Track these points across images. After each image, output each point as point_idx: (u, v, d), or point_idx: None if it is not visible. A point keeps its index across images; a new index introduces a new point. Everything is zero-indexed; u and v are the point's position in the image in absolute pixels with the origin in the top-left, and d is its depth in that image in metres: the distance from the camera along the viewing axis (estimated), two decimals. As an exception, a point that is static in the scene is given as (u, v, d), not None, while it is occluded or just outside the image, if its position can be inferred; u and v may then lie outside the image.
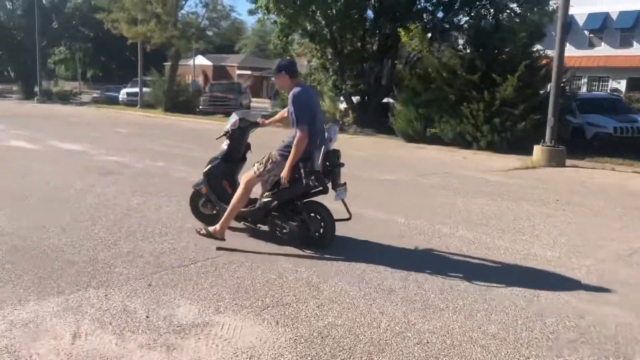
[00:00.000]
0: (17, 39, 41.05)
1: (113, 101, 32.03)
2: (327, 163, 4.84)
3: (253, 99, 33.99)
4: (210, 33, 32.22)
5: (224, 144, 5.48)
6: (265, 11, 17.91)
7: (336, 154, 5.01)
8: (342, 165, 5.04)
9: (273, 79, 5.37)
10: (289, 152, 4.76)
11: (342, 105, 19.77)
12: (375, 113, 18.27)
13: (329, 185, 4.92)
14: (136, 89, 29.72)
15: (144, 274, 4.28)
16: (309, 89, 5.21)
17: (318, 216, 5.03)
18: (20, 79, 43.19)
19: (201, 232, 5.19)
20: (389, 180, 9.17)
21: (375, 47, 18.96)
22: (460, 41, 17.78)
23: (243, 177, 5.09)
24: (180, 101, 26.80)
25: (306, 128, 4.70)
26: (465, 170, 10.76)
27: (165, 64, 35.19)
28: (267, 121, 5.63)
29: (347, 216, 5.10)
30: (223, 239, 5.05)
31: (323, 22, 17.74)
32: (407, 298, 3.98)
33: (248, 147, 5.58)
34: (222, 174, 5.40)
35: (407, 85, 16.03)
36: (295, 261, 4.70)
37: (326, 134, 4.98)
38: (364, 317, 3.62)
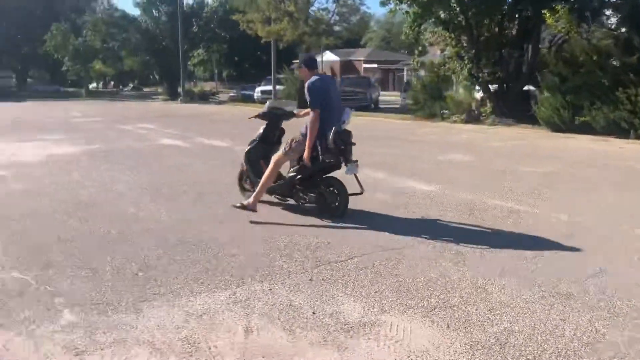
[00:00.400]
0: (162, 44, 44.43)
1: (248, 99, 33.54)
2: (340, 142, 5.49)
3: (382, 92, 33.75)
4: (339, 28, 32.52)
5: (261, 129, 6.29)
6: (398, 1, 17.61)
7: (348, 134, 5.68)
8: (354, 144, 5.70)
9: (296, 71, 6.64)
10: (301, 139, 5.67)
11: (479, 95, 18.90)
12: (515, 102, 17.24)
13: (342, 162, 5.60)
14: (270, 87, 30.85)
15: (303, 268, 4.28)
16: (325, 77, 5.89)
17: (334, 190, 5.73)
18: (165, 81, 46.77)
19: (237, 205, 5.84)
20: (539, 172, 8.52)
21: (514, 32, 17.91)
22: (613, 20, 16.20)
23: (273, 157, 5.88)
24: (311, 97, 27.27)
25: (318, 110, 5.47)
26: (625, 162, 9.74)
27: (295, 61, 36.18)
28: (301, 112, 6.30)
29: (360, 191, 5.73)
30: (255, 211, 5.75)
31: (458, 9, 17.03)
32: (589, 304, 3.58)
33: (282, 132, 6.35)
34: (259, 154, 6.21)
35: (551, 70, 14.92)
36: (455, 259, 4.46)
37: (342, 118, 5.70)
38: (543, 324, 3.30)
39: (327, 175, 5.85)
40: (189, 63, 66.24)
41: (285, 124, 6.42)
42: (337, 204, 5.71)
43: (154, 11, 46.43)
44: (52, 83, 64.31)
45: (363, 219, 5.74)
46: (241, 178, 6.59)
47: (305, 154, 5.55)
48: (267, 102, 6.55)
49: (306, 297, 3.73)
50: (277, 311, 3.51)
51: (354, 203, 5.88)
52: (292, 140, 5.81)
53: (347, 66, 58.93)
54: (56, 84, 61.13)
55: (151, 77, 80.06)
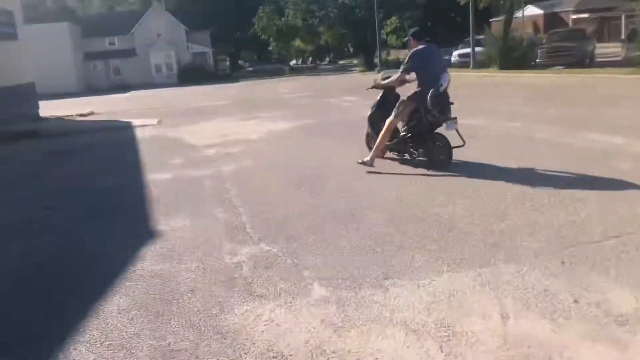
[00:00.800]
0: (359, 15, 45.06)
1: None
2: (437, 102, 6.41)
3: (597, 44, 30.13)
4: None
5: (378, 96, 7.35)
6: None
7: (445, 95, 6.58)
8: (452, 103, 6.66)
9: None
10: (414, 96, 6.61)
11: None
12: None
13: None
14: (468, 50, 29.53)
15: (551, 249, 3.91)
16: (428, 47, 6.71)
17: (440, 144, 6.54)
18: (361, 53, 47.56)
19: (358, 161, 6.93)
20: None
21: None
22: None
23: (387, 120, 6.77)
24: (514, 57, 25.53)
25: (407, 73, 6.70)
26: None
27: (491, 20, 34.04)
28: (412, 78, 6.82)
29: (462, 143, 6.56)
30: (372, 166, 6.79)
31: None
32: None
33: (397, 97, 7.00)
34: (378, 118, 7.12)
35: None
36: None
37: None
38: None
39: (433, 132, 6.66)
40: (381, 32, 66.74)
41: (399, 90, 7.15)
42: (442, 157, 6.56)
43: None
44: (258, 63, 69.80)
45: (606, 192, 5.10)
46: (368, 138, 7.58)
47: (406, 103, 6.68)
48: (381, 73, 8.71)
49: (562, 282, 3.38)
50: (532, 297, 3.23)
51: (613, 170, 5.26)
52: (400, 103, 6.75)
53: (552, 19, 53.74)
54: (262, 63, 66.21)
55: (345, 49, 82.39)
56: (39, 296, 3.84)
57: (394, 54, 47.80)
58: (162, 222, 5.42)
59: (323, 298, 3.45)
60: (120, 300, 3.65)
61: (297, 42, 58.23)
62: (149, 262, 4.32)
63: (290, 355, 2.84)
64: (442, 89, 6.51)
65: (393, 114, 6.76)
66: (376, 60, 40.25)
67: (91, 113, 19.17)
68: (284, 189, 6.39)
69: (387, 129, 6.75)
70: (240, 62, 73.95)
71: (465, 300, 3.27)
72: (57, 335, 3.23)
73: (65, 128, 14.71)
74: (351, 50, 78.94)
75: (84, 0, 67.50)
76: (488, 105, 12.80)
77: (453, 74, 7.45)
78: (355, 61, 63.36)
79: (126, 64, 48.70)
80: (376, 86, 7.39)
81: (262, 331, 3.10)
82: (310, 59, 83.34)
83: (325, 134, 10.56)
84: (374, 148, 6.90)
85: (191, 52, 50.08)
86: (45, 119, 18.25)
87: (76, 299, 3.75)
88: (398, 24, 63.98)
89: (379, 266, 3.87)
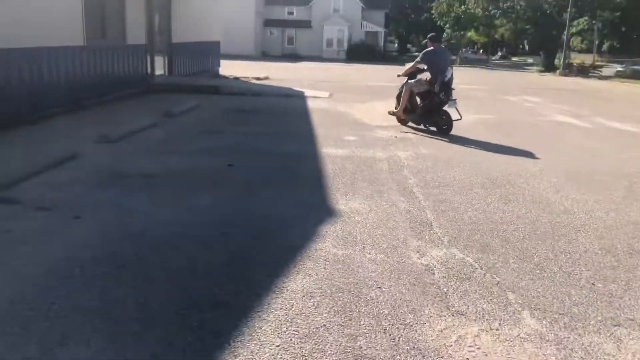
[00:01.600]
0: (547, 12, 41.81)
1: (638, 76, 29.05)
2: (443, 87, 8.85)
3: None
4: None
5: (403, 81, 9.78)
6: None
7: (449, 83, 8.96)
8: (453, 89, 9.14)
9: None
10: (419, 84, 9.29)
11: None
12: None
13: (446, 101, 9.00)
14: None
15: None
16: (438, 49, 9.36)
17: (444, 117, 9.06)
18: (542, 52, 44.21)
19: (389, 111, 10.09)
20: None
21: None
22: None
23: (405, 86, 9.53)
24: None
25: (419, 64, 9.30)
26: None
27: None
28: (422, 67, 9.32)
29: (460, 117, 9.14)
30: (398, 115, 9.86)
31: None
32: None
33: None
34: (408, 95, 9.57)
35: None
36: None
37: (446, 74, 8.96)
38: None
39: (441, 109, 9.03)
40: (564, 33, 61.55)
41: None
42: (446, 126, 9.08)
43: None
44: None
45: None
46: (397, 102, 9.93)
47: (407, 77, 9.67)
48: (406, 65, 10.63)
49: None
50: None
51: None
52: (417, 80, 9.40)
53: None
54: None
55: (521, 46, 77.46)
56: (224, 259, 3.72)
57: (580, 58, 43.80)
58: (341, 201, 5.14)
59: (538, 334, 2.88)
60: (304, 281, 3.38)
61: (470, 33, 55.77)
62: (330, 243, 4.04)
63: (507, 400, 2.34)
64: (446, 79, 8.91)
65: (409, 82, 9.48)
66: (558, 61, 37.07)
67: (266, 78, 19.79)
68: (469, 188, 5.79)
69: (405, 92, 9.46)
70: (408, 45, 72.90)
71: None
72: (241, 306, 3.04)
73: (242, 88, 15.25)
74: (526, 47, 74.15)
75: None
76: None
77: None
78: (529, 60, 59.35)
79: (300, 34, 50.18)
80: (403, 74, 9.75)
81: (468, 358, 2.63)
82: (482, 51, 79.75)
83: (510, 133, 9.70)
84: (400, 105, 9.62)
85: (364, 30, 50.20)
86: (224, 77, 19.20)
87: (259, 267, 3.56)
88: (586, 26, 58.81)
89: (604, 307, 3.20)
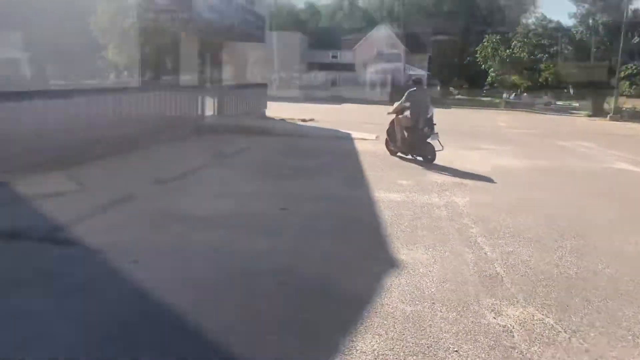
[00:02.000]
0: (596, 56, 41.16)
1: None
2: (425, 123, 10.26)
3: None
4: None
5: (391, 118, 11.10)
6: None
7: (431, 119, 10.35)
8: (435, 124, 10.36)
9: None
10: (406, 119, 10.50)
11: None
12: None
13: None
14: None
15: None
16: (420, 90, 10.70)
17: (428, 148, 10.25)
18: (590, 96, 43.31)
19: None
20: None
21: None
22: None
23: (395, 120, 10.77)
24: None
25: (404, 103, 10.49)
26: None
27: None
28: (407, 106, 10.57)
29: (441, 148, 10.23)
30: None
31: None
32: None
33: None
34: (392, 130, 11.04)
35: None
36: None
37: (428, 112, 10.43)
38: None
39: (425, 141, 10.19)
40: (613, 77, 60.26)
41: None
42: (430, 156, 10.22)
43: (590, 21, 43.47)
44: (469, 93, 67.86)
45: None
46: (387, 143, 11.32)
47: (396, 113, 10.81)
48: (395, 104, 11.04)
49: None
50: None
51: None
52: (403, 116, 10.55)
53: None
54: (473, 94, 64.18)
55: (565, 90, 76.14)
56: (289, 312, 3.52)
57: (630, 103, 42.61)
58: (402, 250, 4.91)
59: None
60: (374, 340, 3.16)
61: (514, 77, 55.25)
62: (397, 298, 3.80)
63: None
64: (428, 116, 10.31)
65: (398, 117, 10.65)
66: (607, 105, 36.16)
67: (311, 120, 19.90)
68: (537, 240, 5.47)
69: (395, 126, 10.72)
70: (450, 88, 72.67)
71: None
72: (309, 368, 2.83)
73: (290, 130, 15.33)
74: (571, 91, 72.74)
75: (314, 15, 72.35)
76: None
77: None
78: (575, 104, 58.01)
79: (343, 77, 50.76)
80: (392, 112, 10.78)
81: None
82: (525, 94, 78.74)
83: (568, 179, 9.31)
84: (396, 138, 10.78)
85: (407, 73, 50.44)
86: (271, 118, 19.38)
87: (324, 323, 3.35)
88: (635, 70, 57.61)
89: None
